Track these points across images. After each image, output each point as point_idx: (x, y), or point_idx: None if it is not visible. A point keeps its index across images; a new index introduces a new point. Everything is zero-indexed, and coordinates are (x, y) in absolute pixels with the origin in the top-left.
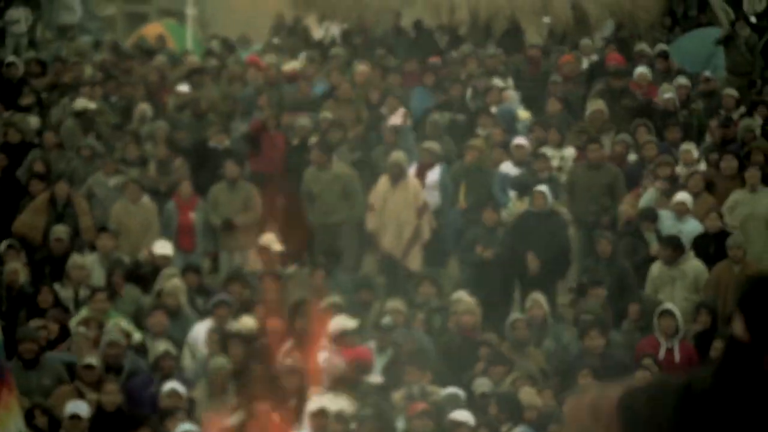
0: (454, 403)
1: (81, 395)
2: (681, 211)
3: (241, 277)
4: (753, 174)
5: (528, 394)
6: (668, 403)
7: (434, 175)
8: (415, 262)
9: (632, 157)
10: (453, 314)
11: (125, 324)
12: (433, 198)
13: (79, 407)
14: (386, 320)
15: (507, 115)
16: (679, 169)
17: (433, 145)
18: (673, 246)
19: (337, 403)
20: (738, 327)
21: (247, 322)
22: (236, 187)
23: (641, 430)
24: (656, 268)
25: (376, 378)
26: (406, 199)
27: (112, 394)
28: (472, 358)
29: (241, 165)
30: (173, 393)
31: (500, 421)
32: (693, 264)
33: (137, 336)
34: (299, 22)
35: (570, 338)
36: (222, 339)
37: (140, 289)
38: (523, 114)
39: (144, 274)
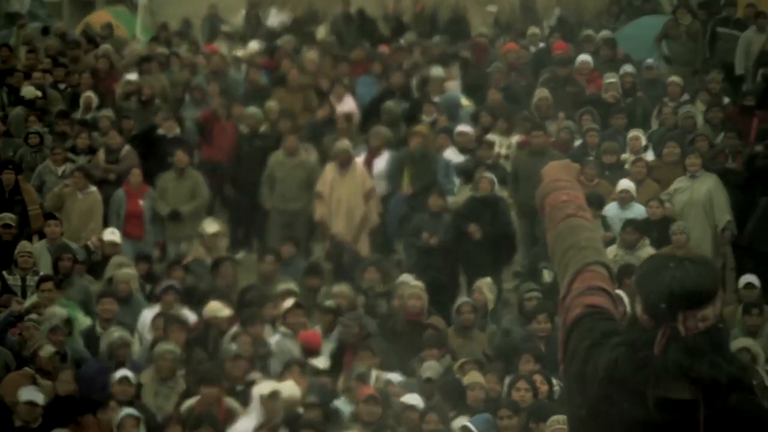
0: (401, 387)
1: (34, 381)
2: (625, 199)
3: (183, 263)
4: (693, 161)
5: (474, 377)
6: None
7: (382, 161)
8: (364, 247)
9: (577, 143)
10: (399, 298)
11: (61, 310)
12: (381, 184)
13: (34, 393)
14: (329, 302)
15: (450, 102)
16: (625, 156)
17: (381, 130)
18: (637, 229)
19: (285, 387)
20: (637, 308)
21: (218, 309)
22: (184, 176)
23: None
24: (612, 251)
25: (323, 362)
26: (354, 185)
27: (68, 382)
28: (417, 342)
29: (190, 153)
30: (124, 380)
31: (446, 407)
32: (648, 252)
33: (85, 322)
34: (253, 9)
35: (511, 322)
36: (167, 324)
37: (90, 276)
38: (466, 102)
39: (94, 262)
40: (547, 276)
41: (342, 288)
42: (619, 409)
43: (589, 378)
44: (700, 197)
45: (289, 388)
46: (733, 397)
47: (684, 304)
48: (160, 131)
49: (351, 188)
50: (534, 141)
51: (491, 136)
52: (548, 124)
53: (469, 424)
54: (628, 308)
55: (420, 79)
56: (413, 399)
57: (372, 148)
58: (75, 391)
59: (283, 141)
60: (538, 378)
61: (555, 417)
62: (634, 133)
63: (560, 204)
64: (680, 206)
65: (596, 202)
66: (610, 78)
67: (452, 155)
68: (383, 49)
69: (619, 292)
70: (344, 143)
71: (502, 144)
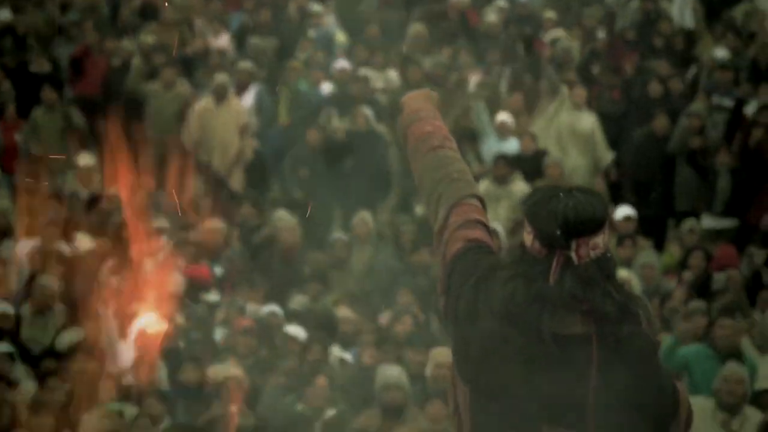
0: (275, 319)
1: None
2: (504, 131)
3: (61, 196)
4: (580, 92)
5: (345, 312)
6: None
7: (250, 96)
8: (237, 182)
9: (453, 78)
10: (273, 232)
11: None
12: (252, 120)
13: None
14: (197, 236)
15: (325, 38)
16: (502, 90)
17: (247, 65)
18: (507, 164)
19: (163, 322)
20: (527, 238)
21: (84, 243)
22: (55, 111)
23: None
24: (483, 185)
25: (214, 296)
26: (229, 119)
27: None
28: (292, 276)
29: (60, 89)
30: (2, 314)
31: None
32: (520, 186)
33: None
34: None
35: (387, 256)
36: (45, 258)
37: None
38: (342, 38)
39: None
40: (420, 209)
41: (215, 223)
42: (513, 344)
43: (482, 312)
44: (582, 130)
45: (171, 321)
46: (624, 329)
47: (578, 231)
48: (33, 68)
49: (226, 122)
50: (410, 77)
51: (366, 71)
52: (424, 59)
53: (347, 356)
54: (503, 242)
55: (297, 14)
56: (295, 330)
57: (238, 84)
58: None
59: (160, 73)
60: (417, 309)
61: (439, 349)
62: (509, 66)
63: (425, 135)
64: (558, 137)
65: (469, 136)
66: (486, 13)
67: (328, 90)
68: None
69: (495, 225)
70: (222, 77)
71: (378, 78)
